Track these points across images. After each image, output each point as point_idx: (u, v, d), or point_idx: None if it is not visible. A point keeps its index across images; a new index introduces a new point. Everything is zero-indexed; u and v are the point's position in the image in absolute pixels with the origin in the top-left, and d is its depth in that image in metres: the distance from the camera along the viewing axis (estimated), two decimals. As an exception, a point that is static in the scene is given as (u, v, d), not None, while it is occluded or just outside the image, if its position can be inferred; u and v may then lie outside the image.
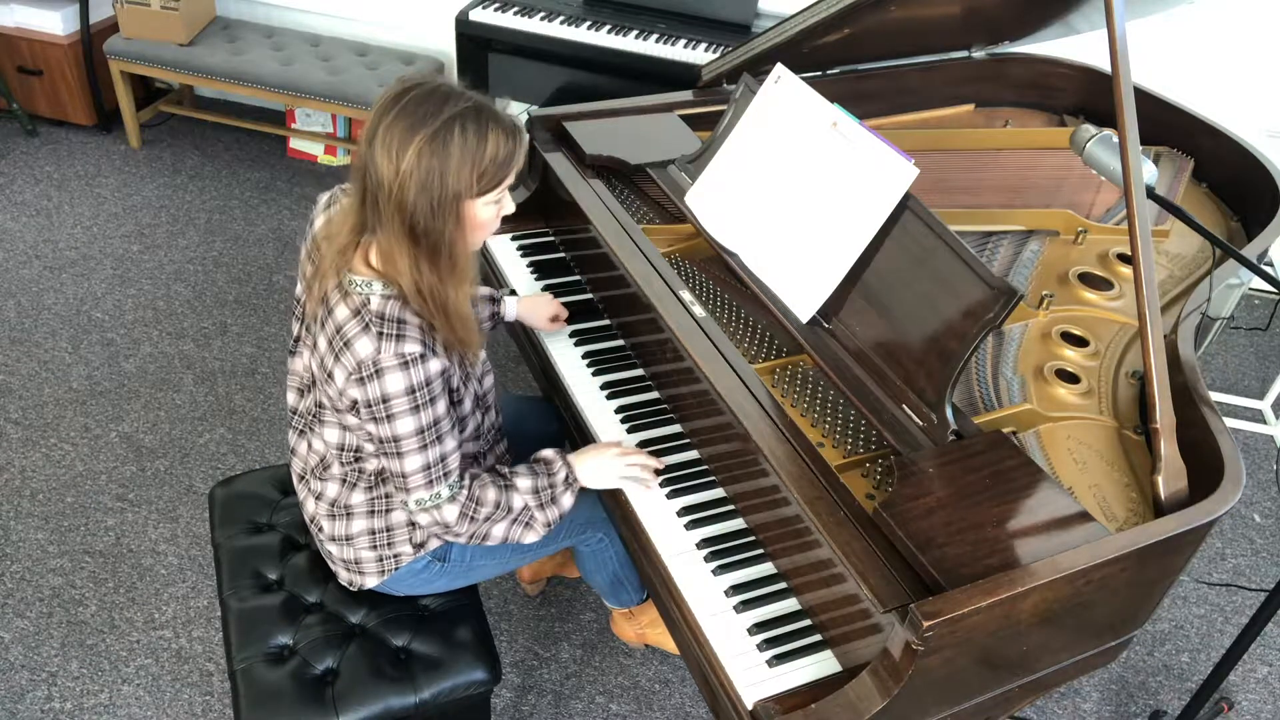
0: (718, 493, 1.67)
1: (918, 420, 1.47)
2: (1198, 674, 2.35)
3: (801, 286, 1.64)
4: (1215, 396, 2.42)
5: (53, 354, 2.90)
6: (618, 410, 1.80)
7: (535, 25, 3.17)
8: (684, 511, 1.63)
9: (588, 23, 3.18)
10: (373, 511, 1.60)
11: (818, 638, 1.46)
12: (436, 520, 1.51)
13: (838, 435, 1.59)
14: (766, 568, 1.55)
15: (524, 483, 1.57)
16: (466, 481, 1.52)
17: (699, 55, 3.07)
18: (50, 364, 2.86)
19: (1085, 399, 1.69)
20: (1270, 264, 2.33)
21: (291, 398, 1.63)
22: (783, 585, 1.53)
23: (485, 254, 2.15)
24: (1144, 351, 1.45)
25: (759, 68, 2.13)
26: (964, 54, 2.54)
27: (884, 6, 2.08)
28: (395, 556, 1.63)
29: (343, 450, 1.55)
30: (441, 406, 1.43)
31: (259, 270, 3.31)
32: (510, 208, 1.46)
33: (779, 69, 1.74)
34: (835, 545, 1.36)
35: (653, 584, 1.59)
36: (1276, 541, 2.71)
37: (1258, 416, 3.10)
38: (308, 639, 1.64)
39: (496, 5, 3.24)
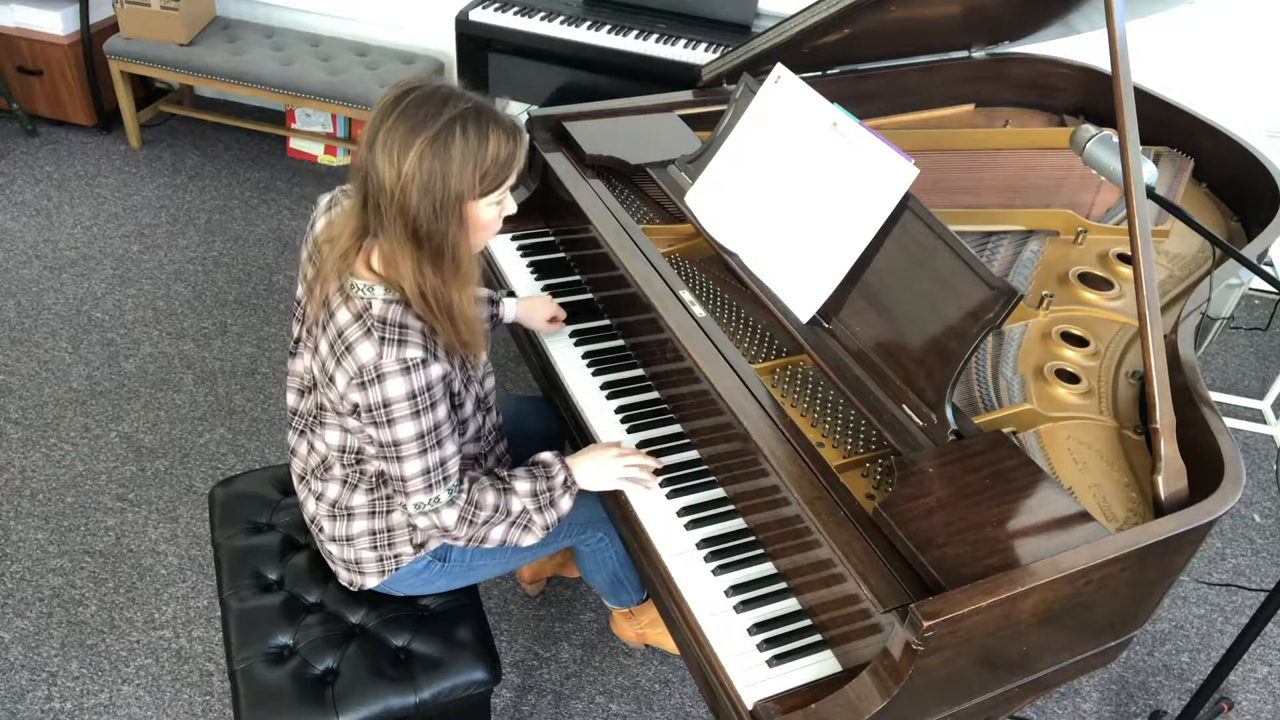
0: (718, 493, 1.67)
1: (918, 420, 1.47)
2: (1198, 674, 2.35)
3: (801, 286, 1.64)
4: (1215, 396, 2.42)
5: (53, 354, 2.90)
6: (618, 410, 1.80)
7: (535, 25, 3.17)
8: (684, 511, 1.63)
9: (588, 23, 3.18)
10: (373, 512, 1.60)
11: (818, 638, 1.46)
12: (435, 524, 1.51)
13: (838, 435, 1.59)
14: (766, 568, 1.55)
15: (522, 486, 1.57)
16: (465, 485, 1.52)
17: (699, 55, 3.07)
18: (50, 364, 2.86)
19: (1085, 399, 1.69)
20: (1270, 264, 2.33)
21: (291, 398, 1.63)
22: (783, 585, 1.53)
23: (485, 254, 2.15)
24: (1144, 351, 1.45)
25: (759, 68, 2.13)
26: (964, 54, 2.54)
27: (884, 6, 2.08)
28: (396, 557, 1.63)
29: (344, 452, 1.55)
30: (442, 411, 1.43)
31: (259, 270, 3.31)
32: (512, 208, 1.46)
33: (779, 69, 1.74)
34: (835, 545, 1.36)
35: (653, 584, 1.59)
36: (1276, 541, 2.71)
37: (1258, 416, 3.10)
38: (308, 639, 1.64)
39: (496, 5, 3.24)
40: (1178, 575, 1.51)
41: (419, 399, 1.38)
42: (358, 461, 1.56)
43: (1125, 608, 1.48)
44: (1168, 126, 2.47)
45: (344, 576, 1.68)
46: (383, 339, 1.36)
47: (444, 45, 3.68)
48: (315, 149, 3.93)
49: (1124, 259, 2.05)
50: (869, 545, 1.35)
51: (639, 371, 1.88)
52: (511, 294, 2.04)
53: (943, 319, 1.46)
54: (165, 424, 2.71)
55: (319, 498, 1.63)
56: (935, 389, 1.45)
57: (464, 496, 1.51)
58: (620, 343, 1.95)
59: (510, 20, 3.19)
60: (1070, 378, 1.72)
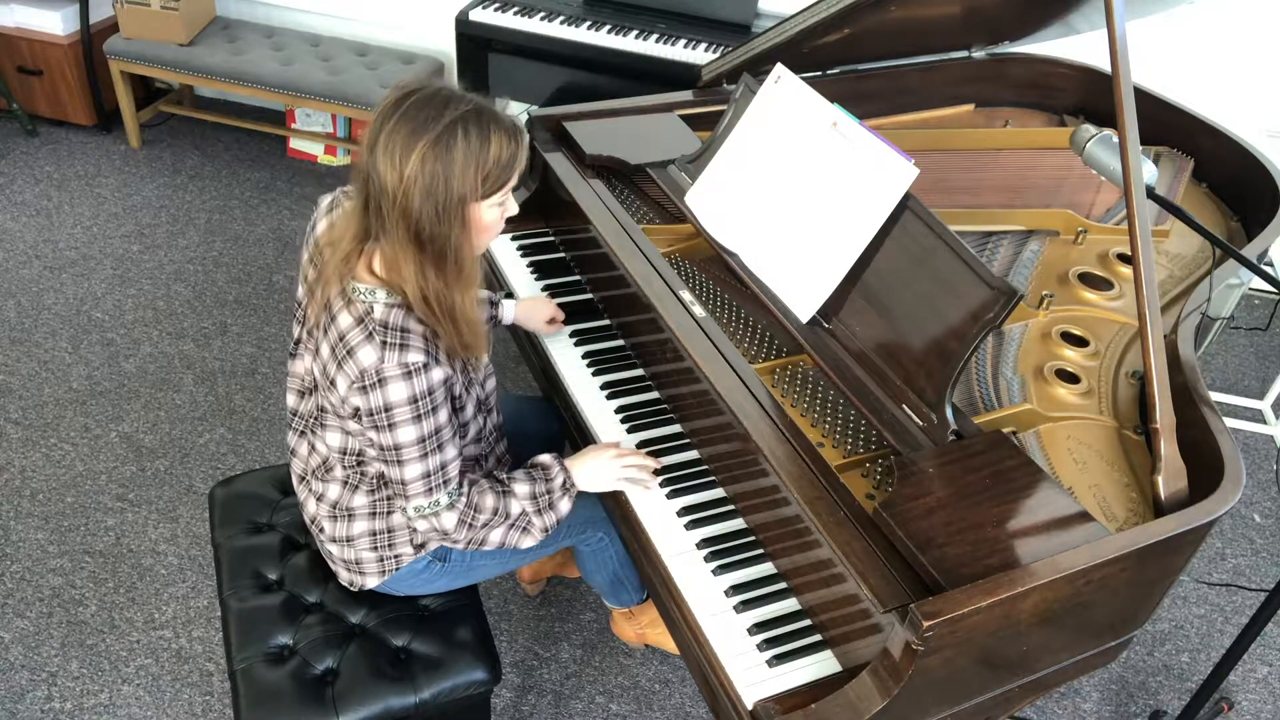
0: (718, 493, 1.67)
1: (918, 420, 1.47)
2: (1198, 674, 2.35)
3: (801, 286, 1.64)
4: (1215, 396, 2.42)
5: (53, 354, 2.90)
6: (618, 410, 1.80)
7: (535, 25, 3.17)
8: (684, 511, 1.63)
9: (588, 23, 3.18)
10: (374, 513, 1.60)
11: (818, 638, 1.46)
12: (435, 527, 1.51)
13: (838, 435, 1.59)
14: (766, 568, 1.55)
15: (522, 489, 1.57)
16: (465, 488, 1.52)
17: (699, 55, 3.07)
18: (50, 364, 2.86)
19: (1085, 399, 1.69)
20: (1270, 264, 2.33)
21: (291, 399, 1.63)
22: (783, 585, 1.53)
23: (486, 255, 2.14)
24: (1144, 351, 1.45)
25: (759, 68, 2.13)
26: (964, 54, 2.54)
27: (884, 6, 2.08)
28: (396, 557, 1.63)
29: (345, 454, 1.55)
30: (443, 415, 1.43)
31: (259, 270, 3.31)
32: (514, 209, 1.46)
33: (779, 69, 1.74)
34: (835, 545, 1.36)
35: (653, 584, 1.59)
36: (1276, 541, 2.71)
37: (1258, 416, 3.10)
38: (308, 639, 1.64)
39: (496, 5, 3.24)
40: (1178, 575, 1.51)
41: (420, 403, 1.38)
42: (358, 463, 1.56)
43: (1125, 608, 1.48)
44: (1168, 126, 2.47)
45: (344, 577, 1.68)
46: (384, 343, 1.36)
47: (444, 45, 3.68)
48: (315, 149, 3.93)
49: (1124, 259, 2.05)
50: (869, 545, 1.35)
51: (639, 371, 1.88)
52: (510, 295, 2.04)
53: (943, 319, 1.46)
54: (165, 424, 2.71)
55: (319, 498, 1.63)
56: (935, 389, 1.45)
57: (464, 500, 1.51)
58: (620, 343, 1.95)
59: (510, 20, 3.19)
60: (1070, 378, 1.72)
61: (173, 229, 3.46)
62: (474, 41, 3.26)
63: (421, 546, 1.64)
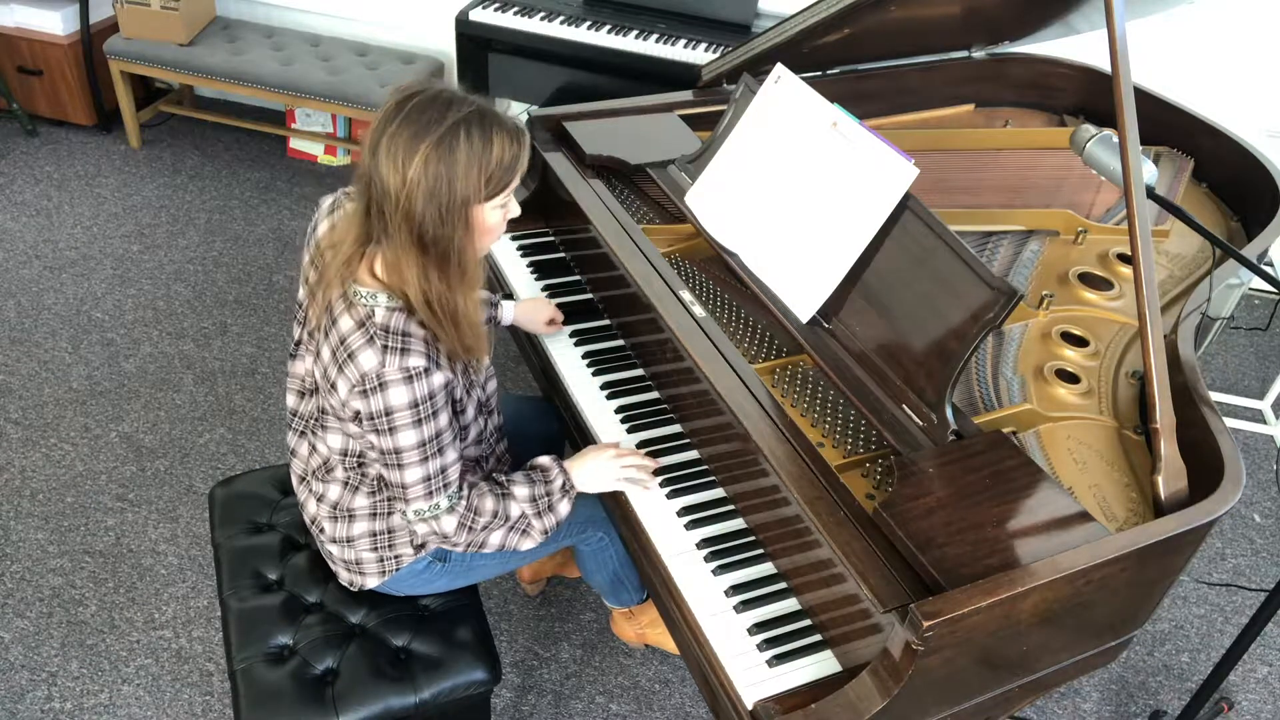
0: (718, 493, 1.67)
1: (918, 420, 1.47)
2: (1198, 674, 2.35)
3: (801, 286, 1.64)
4: (1215, 396, 2.42)
5: (53, 354, 2.90)
6: (618, 410, 1.80)
7: (535, 25, 3.17)
8: (684, 511, 1.63)
9: (588, 23, 3.18)
10: (375, 514, 1.60)
11: (818, 638, 1.46)
12: (435, 530, 1.51)
13: (838, 435, 1.59)
14: (766, 568, 1.55)
15: (521, 491, 1.57)
16: (465, 491, 1.52)
17: (699, 55, 3.07)
18: (50, 364, 2.86)
19: (1085, 399, 1.69)
20: (1270, 264, 2.33)
21: (291, 400, 1.63)
22: (783, 585, 1.53)
23: (488, 256, 2.14)
24: (1144, 351, 1.45)
25: (759, 68, 2.13)
26: (964, 54, 2.54)
27: (884, 6, 2.08)
28: (396, 557, 1.63)
29: (346, 455, 1.55)
30: (444, 419, 1.43)
31: (259, 270, 3.31)
32: (516, 211, 1.46)
33: (779, 69, 1.74)
34: (835, 545, 1.36)
35: (653, 584, 1.59)
36: (1276, 541, 2.71)
37: (1258, 416, 3.10)
38: (308, 639, 1.64)
39: (496, 5, 3.24)
40: (1178, 575, 1.51)
41: (421, 407, 1.38)
42: (359, 464, 1.56)
43: (1125, 608, 1.48)
44: (1168, 126, 2.47)
45: (344, 577, 1.68)
46: (385, 347, 1.36)
47: (444, 45, 3.68)
48: (315, 149, 3.93)
49: (1124, 259, 2.05)
50: (869, 545, 1.35)
51: (639, 371, 1.88)
52: (509, 296, 2.04)
53: (943, 319, 1.46)
54: (165, 424, 2.71)
55: (320, 499, 1.63)
56: (935, 389, 1.45)
57: (463, 503, 1.51)
58: (620, 343, 1.95)
59: (510, 20, 3.19)
60: (1070, 378, 1.72)
61: (173, 229, 3.46)
62: (474, 41, 3.26)
63: (421, 547, 1.64)
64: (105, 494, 2.50)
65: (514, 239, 2.18)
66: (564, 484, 1.60)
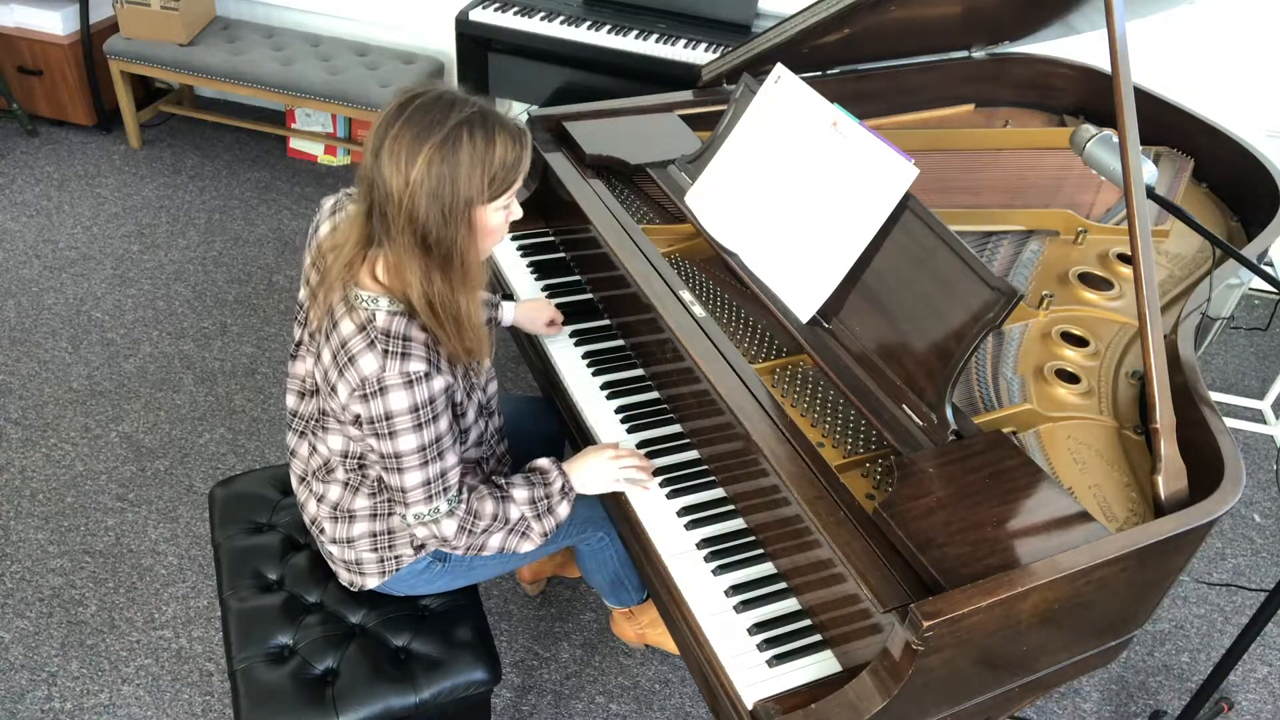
0: (718, 493, 1.67)
1: (918, 420, 1.47)
2: (1198, 674, 2.35)
3: (801, 286, 1.64)
4: (1215, 396, 2.42)
5: (53, 354, 2.90)
6: (618, 410, 1.80)
7: (535, 25, 3.17)
8: (684, 511, 1.63)
9: (588, 23, 3.18)
10: (375, 514, 1.60)
11: (818, 638, 1.46)
12: (434, 534, 1.51)
13: (838, 435, 1.59)
14: (766, 568, 1.55)
15: (520, 494, 1.57)
16: (465, 495, 1.52)
17: (699, 55, 3.07)
18: (50, 364, 2.86)
19: (1085, 399, 1.69)
20: (1270, 264, 2.33)
21: (291, 400, 1.63)
22: (783, 585, 1.53)
23: (489, 257, 2.15)
24: (1144, 351, 1.45)
25: (759, 68, 2.13)
26: (964, 54, 2.54)
27: (884, 6, 2.08)
28: (396, 558, 1.63)
29: (346, 456, 1.55)
30: (444, 423, 1.43)
31: (259, 270, 3.31)
32: (518, 213, 1.46)
33: (779, 69, 1.74)
34: (835, 545, 1.36)
35: (653, 584, 1.59)
36: (1276, 541, 2.71)
37: (1258, 416, 3.10)
38: (308, 639, 1.64)
39: (496, 5, 3.24)
40: (1178, 575, 1.51)
41: (421, 412, 1.38)
42: (360, 465, 1.56)
43: (1125, 608, 1.48)
44: (1168, 126, 2.47)
45: (344, 577, 1.68)
46: (386, 351, 1.36)
47: (444, 45, 3.68)
48: (315, 149, 3.93)
49: (1124, 259, 2.05)
50: (869, 545, 1.35)
51: (639, 371, 1.88)
52: (509, 297, 2.04)
53: (943, 319, 1.46)
54: (165, 424, 2.71)
55: (320, 500, 1.63)
56: (935, 389, 1.45)
57: (463, 506, 1.51)
58: (620, 343, 1.95)
59: (510, 20, 3.19)
60: (1070, 378, 1.72)
61: (173, 229, 3.46)
62: (474, 41, 3.26)
63: (421, 547, 1.64)
64: (105, 494, 2.50)
65: (514, 239, 2.18)
66: (563, 486, 1.60)
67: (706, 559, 1.56)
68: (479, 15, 3.20)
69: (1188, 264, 2.10)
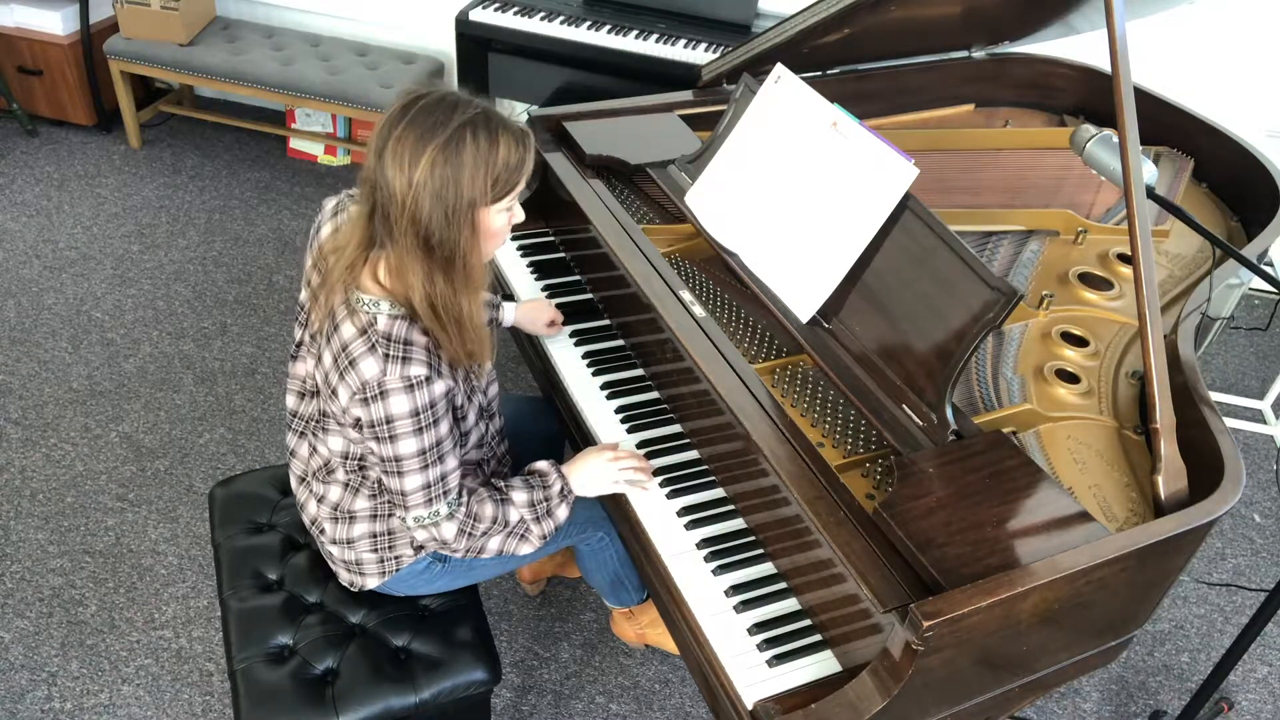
0: (718, 493, 1.67)
1: (918, 420, 1.47)
2: (1198, 674, 2.35)
3: (801, 286, 1.64)
4: (1215, 396, 2.42)
5: (53, 354, 2.90)
6: (618, 410, 1.80)
7: (535, 25, 3.17)
8: (684, 511, 1.63)
9: (588, 23, 3.18)
10: (375, 515, 1.60)
11: (818, 638, 1.46)
12: (434, 537, 1.51)
13: (838, 435, 1.59)
14: (766, 568, 1.55)
15: (520, 496, 1.57)
16: (464, 498, 1.52)
17: (699, 55, 3.07)
18: (50, 364, 2.86)
19: (1085, 399, 1.69)
20: (1270, 264, 2.33)
21: (291, 400, 1.63)
22: (783, 585, 1.53)
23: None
24: (1144, 351, 1.45)
25: (759, 68, 2.13)
26: (964, 54, 2.54)
27: (884, 6, 2.08)
28: (396, 558, 1.63)
29: (346, 458, 1.55)
30: (444, 427, 1.43)
31: (259, 270, 3.31)
32: (520, 216, 1.46)
33: (779, 69, 1.74)
34: (835, 545, 1.36)
35: (653, 584, 1.59)
36: (1276, 541, 2.71)
37: (1258, 416, 3.10)
38: (308, 639, 1.64)
39: (496, 5, 3.24)
40: (1178, 575, 1.51)
41: (422, 416, 1.38)
42: (360, 467, 1.56)
43: (1125, 608, 1.48)
44: (1168, 126, 2.47)
45: (344, 577, 1.68)
46: (387, 355, 1.36)
47: (444, 45, 3.68)
48: (315, 149, 3.93)
49: (1124, 259, 2.05)
50: (869, 545, 1.35)
51: (639, 371, 1.88)
52: (510, 298, 2.04)
53: (943, 319, 1.46)
54: (165, 424, 2.71)
55: (320, 500, 1.63)
56: (935, 389, 1.45)
57: (463, 509, 1.51)
58: (620, 343, 1.95)
59: (510, 20, 3.19)
60: (1070, 378, 1.72)
61: (173, 229, 3.46)
62: (474, 41, 3.26)
63: (422, 548, 1.64)
64: (105, 494, 2.50)
65: (514, 239, 2.18)
66: (562, 489, 1.60)
67: (706, 559, 1.56)
68: (479, 15, 3.20)
69: (1188, 264, 2.10)
